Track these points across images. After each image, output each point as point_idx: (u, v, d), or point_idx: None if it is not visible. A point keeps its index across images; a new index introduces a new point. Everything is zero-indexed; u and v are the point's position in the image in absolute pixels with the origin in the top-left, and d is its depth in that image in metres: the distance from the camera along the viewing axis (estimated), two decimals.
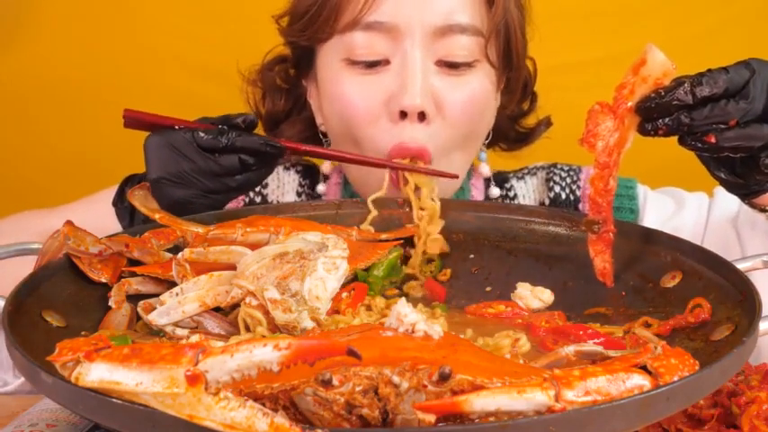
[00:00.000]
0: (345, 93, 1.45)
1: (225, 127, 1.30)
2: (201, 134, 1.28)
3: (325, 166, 1.65)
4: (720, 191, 1.56)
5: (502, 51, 1.50)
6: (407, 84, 1.40)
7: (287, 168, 1.70)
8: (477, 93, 1.46)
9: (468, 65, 1.44)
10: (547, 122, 1.69)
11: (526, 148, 1.71)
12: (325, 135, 1.58)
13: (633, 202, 1.61)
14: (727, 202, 1.53)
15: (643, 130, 1.07)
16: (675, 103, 1.05)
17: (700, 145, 1.06)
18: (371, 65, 1.43)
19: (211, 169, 1.28)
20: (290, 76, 1.65)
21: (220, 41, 2.29)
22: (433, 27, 1.41)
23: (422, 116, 1.41)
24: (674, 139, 1.10)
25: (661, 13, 2.20)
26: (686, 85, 1.05)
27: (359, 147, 1.46)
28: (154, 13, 2.35)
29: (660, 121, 1.05)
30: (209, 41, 2.32)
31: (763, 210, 1.23)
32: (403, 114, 1.41)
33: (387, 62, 1.43)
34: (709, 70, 1.07)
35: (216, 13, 2.35)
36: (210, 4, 2.36)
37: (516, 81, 1.58)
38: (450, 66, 1.43)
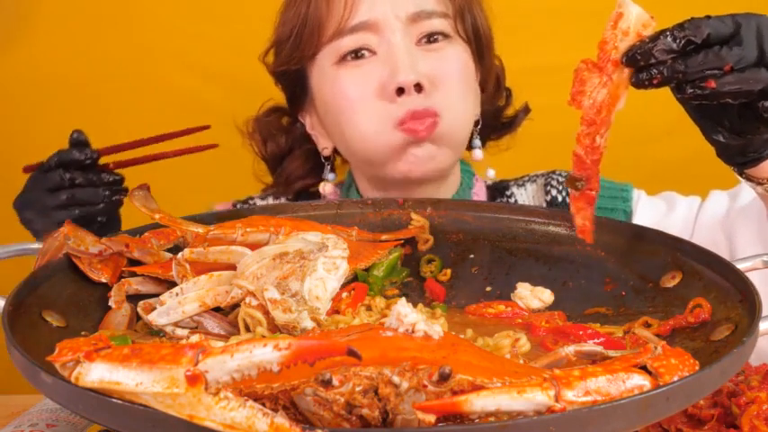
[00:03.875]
0: (343, 85, 1.52)
1: (57, 153, 1.53)
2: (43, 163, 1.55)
3: (327, 189, 1.67)
4: (713, 194, 1.59)
5: (471, 32, 1.60)
6: (398, 64, 1.48)
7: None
8: (461, 60, 1.55)
9: (445, 35, 1.54)
10: (525, 109, 1.77)
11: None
12: (327, 159, 1.65)
13: (627, 204, 1.65)
14: (717, 203, 1.56)
15: (637, 81, 1.05)
16: (661, 47, 1.03)
17: (699, 92, 1.04)
18: (359, 56, 1.51)
19: (44, 186, 1.51)
20: (294, 126, 1.72)
21: (220, 41, 2.29)
22: (405, 15, 1.51)
23: (418, 88, 1.48)
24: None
25: (660, 13, 2.20)
26: (668, 30, 1.05)
27: (368, 137, 1.51)
28: (154, 12, 2.35)
29: (655, 69, 1.04)
30: (210, 41, 2.32)
31: (759, 182, 1.21)
32: (400, 91, 1.47)
33: (373, 53, 1.51)
34: (692, 18, 1.06)
35: (216, 13, 2.34)
36: (210, 4, 2.36)
37: (487, 78, 1.67)
38: (430, 40, 1.53)
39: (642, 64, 1.04)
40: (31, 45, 2.37)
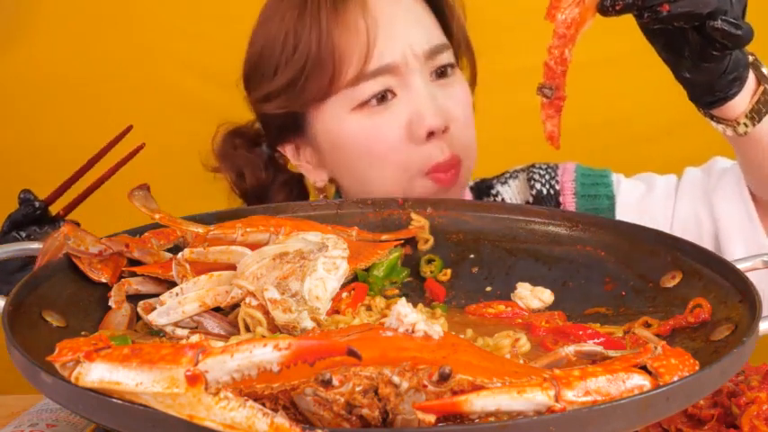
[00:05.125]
0: (370, 132, 1.49)
1: (7, 217, 1.50)
2: None
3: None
4: (688, 170, 1.64)
5: (469, 58, 1.64)
6: (422, 107, 1.48)
7: None
8: (466, 90, 1.58)
9: (452, 66, 1.55)
10: None
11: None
12: (322, 191, 1.62)
13: (608, 188, 1.67)
14: (694, 176, 1.61)
15: (602, 7, 1.12)
16: None
17: (655, 16, 1.11)
18: (382, 99, 1.49)
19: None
20: (257, 148, 1.66)
21: (220, 42, 2.29)
22: (422, 52, 1.50)
23: (445, 128, 1.49)
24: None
25: None
26: None
27: (396, 183, 1.50)
28: (154, 13, 2.35)
29: None
30: (210, 41, 2.32)
31: (728, 124, 1.26)
32: (430, 134, 1.48)
33: (393, 94, 1.49)
34: None
35: (216, 13, 2.35)
36: (210, 4, 2.36)
37: None
38: (441, 74, 1.53)
39: None
40: (31, 45, 2.38)
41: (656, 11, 1.11)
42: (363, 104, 1.49)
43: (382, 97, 1.49)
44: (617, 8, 1.11)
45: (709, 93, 1.22)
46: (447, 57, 1.54)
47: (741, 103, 1.23)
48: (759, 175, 1.43)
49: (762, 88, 1.23)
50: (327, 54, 1.46)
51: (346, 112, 1.49)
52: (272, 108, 1.54)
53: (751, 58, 1.23)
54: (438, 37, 1.54)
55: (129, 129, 1.60)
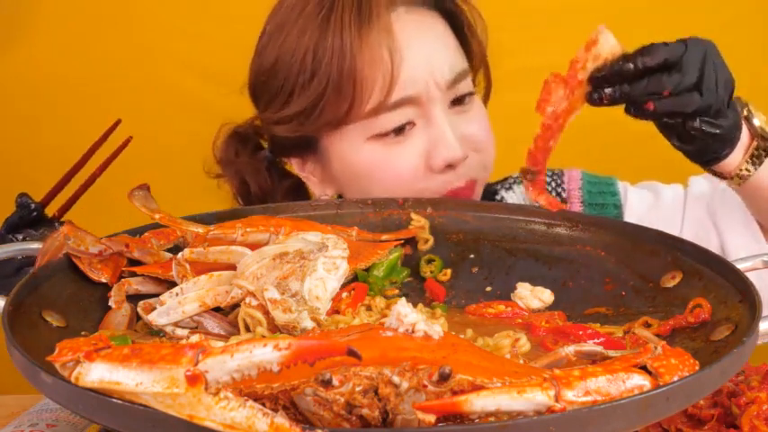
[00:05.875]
0: (384, 162, 1.47)
1: (4, 221, 1.52)
2: None
3: None
4: (693, 181, 1.67)
5: (486, 77, 1.64)
6: (441, 139, 1.45)
7: None
8: (483, 111, 1.57)
9: (471, 94, 1.53)
10: None
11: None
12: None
13: (615, 197, 1.68)
14: (698, 189, 1.63)
15: (590, 99, 1.17)
16: (618, 69, 1.15)
17: (640, 112, 1.17)
18: (399, 131, 1.46)
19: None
20: (259, 152, 1.65)
21: (220, 41, 2.30)
22: (444, 82, 1.47)
23: (464, 158, 1.47)
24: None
25: (656, 15, 2.20)
26: (630, 56, 1.16)
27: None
28: (153, 13, 2.35)
29: (606, 91, 1.16)
30: (210, 41, 2.32)
31: (723, 177, 1.32)
32: (450, 166, 1.46)
33: (412, 124, 1.47)
34: (651, 44, 1.18)
35: (216, 13, 2.35)
36: (210, 4, 2.36)
37: None
38: (459, 102, 1.50)
39: (606, 85, 1.16)
40: (31, 45, 2.38)
41: (642, 108, 1.16)
42: (381, 135, 1.45)
43: (400, 128, 1.45)
44: (605, 102, 1.16)
45: (700, 157, 1.28)
46: (467, 85, 1.51)
47: (734, 159, 1.29)
48: (765, 222, 1.48)
49: (755, 143, 1.29)
50: (348, 82, 1.41)
51: (362, 140, 1.46)
52: (284, 131, 1.51)
53: (745, 112, 1.28)
54: (460, 62, 1.50)
55: (117, 123, 1.60)
